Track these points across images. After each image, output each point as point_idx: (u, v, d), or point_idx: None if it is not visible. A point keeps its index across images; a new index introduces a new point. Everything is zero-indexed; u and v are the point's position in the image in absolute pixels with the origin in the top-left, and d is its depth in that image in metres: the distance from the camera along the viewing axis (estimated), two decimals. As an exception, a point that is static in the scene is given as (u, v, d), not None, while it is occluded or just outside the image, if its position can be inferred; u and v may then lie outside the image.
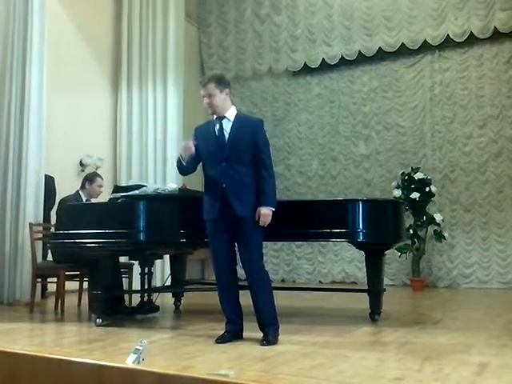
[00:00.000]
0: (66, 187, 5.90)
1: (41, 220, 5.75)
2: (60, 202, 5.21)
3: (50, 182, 6.14)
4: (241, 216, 3.42)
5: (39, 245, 5.46)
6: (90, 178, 5.32)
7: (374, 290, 4.40)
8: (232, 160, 3.46)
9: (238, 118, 3.57)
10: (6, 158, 5.75)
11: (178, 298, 5.39)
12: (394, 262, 7.76)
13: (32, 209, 5.71)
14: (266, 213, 3.44)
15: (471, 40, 7.70)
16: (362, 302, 4.55)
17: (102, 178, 5.41)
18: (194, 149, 3.48)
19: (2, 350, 2.96)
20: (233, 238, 3.51)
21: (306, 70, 8.87)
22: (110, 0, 8.00)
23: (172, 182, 5.93)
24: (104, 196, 5.23)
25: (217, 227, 3.50)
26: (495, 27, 7.48)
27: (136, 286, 5.18)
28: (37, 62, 5.88)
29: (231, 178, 3.45)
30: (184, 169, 3.66)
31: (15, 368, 2.85)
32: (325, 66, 8.70)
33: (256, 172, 3.50)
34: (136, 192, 4.29)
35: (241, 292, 3.59)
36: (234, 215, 3.42)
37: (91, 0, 7.58)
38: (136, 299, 4.90)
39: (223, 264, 3.54)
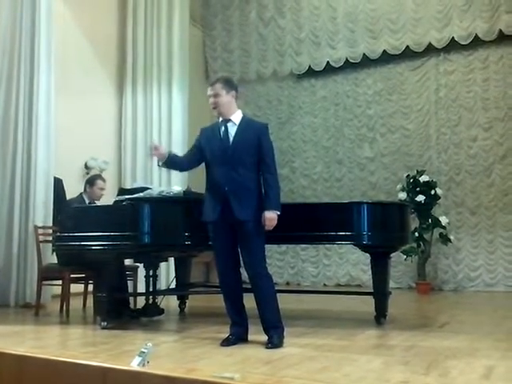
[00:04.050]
0: (71, 190, 5.92)
1: (50, 223, 5.74)
2: (64, 205, 5.20)
3: (59, 185, 6.10)
4: (241, 220, 3.41)
5: (49, 247, 5.45)
6: (91, 181, 5.30)
7: (380, 292, 4.38)
8: (235, 163, 3.45)
9: (244, 122, 3.57)
10: (14, 161, 5.76)
11: (182, 300, 5.39)
12: (400, 264, 7.73)
13: (42, 211, 5.71)
14: (271, 217, 3.43)
15: (476, 42, 7.69)
16: (367, 305, 4.54)
17: (103, 180, 5.37)
18: (162, 149, 3.61)
19: (8, 353, 2.97)
20: (235, 240, 3.49)
21: (311, 72, 8.87)
22: (114, 4, 8.04)
23: (177, 185, 5.94)
24: (109, 198, 5.24)
25: (218, 229, 3.49)
26: (500, 30, 7.46)
27: (141, 288, 5.18)
28: (45, 66, 5.90)
29: (234, 181, 3.44)
30: (174, 165, 3.84)
31: (20, 370, 2.85)
32: (329, 69, 8.70)
33: (260, 176, 3.51)
34: (141, 194, 4.29)
35: (246, 294, 3.58)
36: (235, 218, 3.41)
37: (96, 4, 7.61)
38: (141, 302, 4.90)
39: (226, 266, 3.53)
